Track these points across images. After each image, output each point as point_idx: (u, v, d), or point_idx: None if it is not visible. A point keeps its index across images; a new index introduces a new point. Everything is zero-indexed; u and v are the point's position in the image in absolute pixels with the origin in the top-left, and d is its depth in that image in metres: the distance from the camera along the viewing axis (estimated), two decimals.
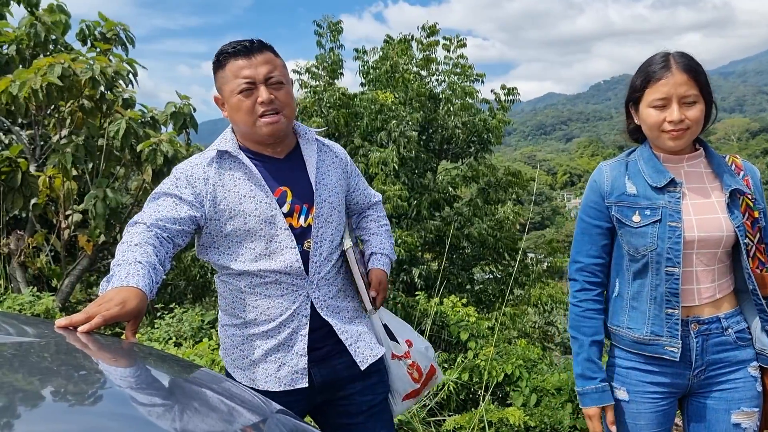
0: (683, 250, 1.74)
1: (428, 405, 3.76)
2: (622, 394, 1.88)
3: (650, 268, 1.78)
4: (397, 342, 1.96)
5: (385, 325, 1.96)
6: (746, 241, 1.78)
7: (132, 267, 1.47)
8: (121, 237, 1.67)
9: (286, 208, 1.77)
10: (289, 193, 1.79)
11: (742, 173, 1.83)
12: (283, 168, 1.82)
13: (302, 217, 1.79)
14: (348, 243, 1.89)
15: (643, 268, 1.80)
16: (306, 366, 1.79)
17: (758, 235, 1.80)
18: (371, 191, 2.12)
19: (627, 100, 1.84)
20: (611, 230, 1.86)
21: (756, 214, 1.80)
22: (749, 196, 1.80)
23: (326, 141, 1.98)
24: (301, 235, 1.78)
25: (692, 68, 1.71)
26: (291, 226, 1.77)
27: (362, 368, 1.84)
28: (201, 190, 1.73)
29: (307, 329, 1.79)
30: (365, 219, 2.09)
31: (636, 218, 1.78)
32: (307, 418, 1.99)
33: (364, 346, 1.86)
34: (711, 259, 1.78)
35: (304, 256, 1.78)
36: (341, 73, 10.57)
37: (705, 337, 1.79)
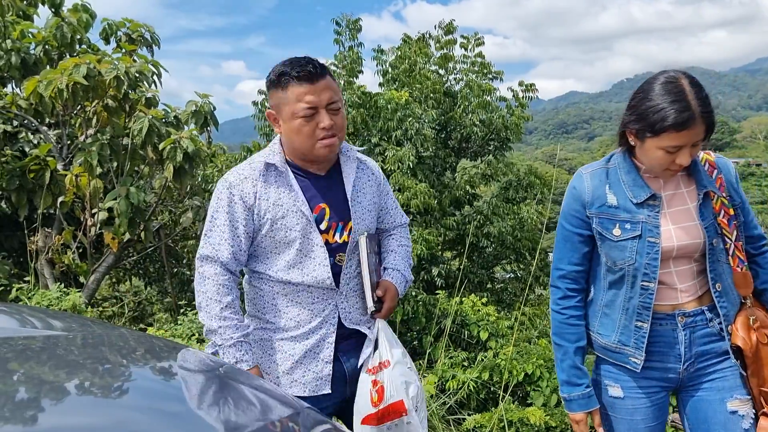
0: (662, 259, 1.74)
1: (448, 403, 3.76)
2: (616, 391, 1.87)
3: (626, 280, 1.79)
4: (380, 356, 1.85)
5: (376, 339, 1.89)
6: (725, 239, 1.77)
7: (241, 353, 1.73)
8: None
9: (324, 225, 1.83)
10: (328, 211, 1.85)
11: (715, 171, 1.80)
12: (323, 185, 1.87)
13: (338, 234, 1.85)
14: (363, 234, 1.89)
15: (620, 279, 1.81)
16: (330, 373, 1.84)
17: (735, 232, 1.78)
18: (400, 212, 2.13)
19: (626, 125, 1.73)
20: (592, 238, 1.86)
21: (731, 212, 1.77)
22: (723, 195, 1.78)
23: (363, 157, 2.02)
24: (336, 249, 1.84)
25: (711, 114, 1.61)
26: (327, 242, 1.82)
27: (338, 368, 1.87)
28: (251, 204, 1.80)
29: (334, 337, 1.85)
30: (388, 238, 2.11)
31: (616, 231, 1.78)
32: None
33: (358, 354, 1.90)
34: (688, 259, 1.79)
35: (337, 269, 1.84)
36: (360, 71, 10.56)
37: (692, 329, 1.79)
